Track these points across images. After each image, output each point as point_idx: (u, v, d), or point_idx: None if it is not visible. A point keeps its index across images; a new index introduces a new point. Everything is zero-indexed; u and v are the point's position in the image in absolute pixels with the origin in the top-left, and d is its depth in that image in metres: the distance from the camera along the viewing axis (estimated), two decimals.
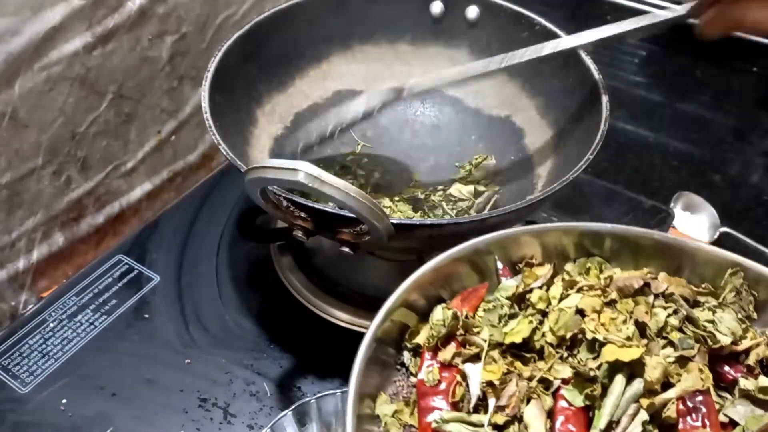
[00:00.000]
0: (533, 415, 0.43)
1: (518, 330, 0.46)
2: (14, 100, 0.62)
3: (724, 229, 0.81)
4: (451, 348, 0.46)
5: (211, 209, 0.78)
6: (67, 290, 0.69)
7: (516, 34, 0.71)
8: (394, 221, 0.49)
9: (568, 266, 0.52)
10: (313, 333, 0.65)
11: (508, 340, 0.46)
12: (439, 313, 0.48)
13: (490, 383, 0.44)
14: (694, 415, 0.42)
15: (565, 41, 0.64)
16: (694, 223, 0.83)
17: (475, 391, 0.44)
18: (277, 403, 0.60)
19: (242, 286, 0.70)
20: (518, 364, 0.46)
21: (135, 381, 0.61)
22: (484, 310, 0.49)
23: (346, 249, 0.52)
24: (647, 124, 0.97)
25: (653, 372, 0.42)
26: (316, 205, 0.50)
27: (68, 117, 0.68)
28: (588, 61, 0.65)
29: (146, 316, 0.67)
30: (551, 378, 0.44)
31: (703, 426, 0.41)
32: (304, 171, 0.44)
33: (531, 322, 0.46)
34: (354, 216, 0.47)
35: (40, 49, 0.63)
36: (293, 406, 0.55)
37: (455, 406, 0.44)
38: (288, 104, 0.73)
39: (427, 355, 0.47)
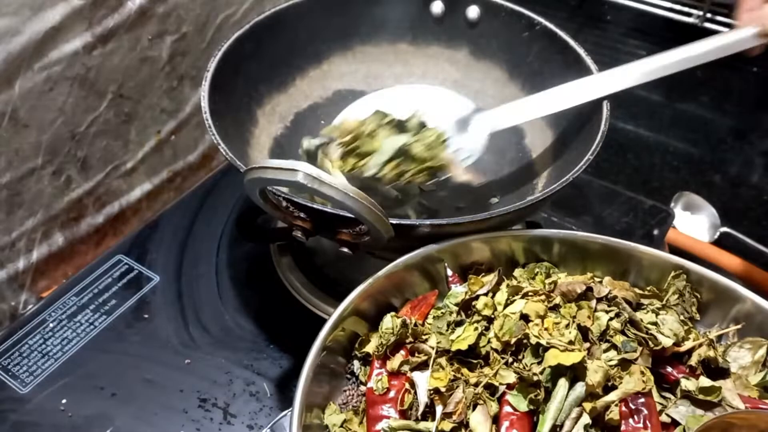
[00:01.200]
0: (479, 421, 0.44)
1: (464, 337, 0.47)
2: (14, 100, 0.62)
3: (724, 229, 0.81)
4: (400, 356, 0.47)
5: (211, 209, 0.78)
6: (67, 290, 0.69)
7: (517, 33, 0.71)
8: (394, 221, 0.49)
9: (517, 272, 0.52)
10: (313, 333, 0.65)
11: (454, 347, 0.46)
12: (388, 322, 0.49)
13: (437, 390, 0.45)
14: (636, 417, 0.42)
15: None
16: (694, 223, 0.83)
17: (423, 399, 0.45)
18: (277, 403, 0.60)
19: (242, 286, 0.70)
20: (465, 370, 0.46)
21: (135, 381, 0.61)
22: (434, 318, 0.49)
23: (345, 249, 0.52)
24: (647, 124, 0.97)
25: (594, 375, 0.43)
26: (315, 206, 0.50)
27: (68, 117, 0.68)
28: (588, 61, 0.65)
29: (146, 316, 0.67)
30: (497, 384, 0.45)
31: (645, 427, 0.42)
32: (303, 171, 0.44)
33: (477, 328, 0.47)
34: (353, 216, 0.47)
35: (40, 49, 0.63)
36: (292, 407, 0.55)
37: (404, 414, 0.45)
38: (288, 104, 0.73)
39: (377, 363, 0.48)
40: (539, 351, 0.45)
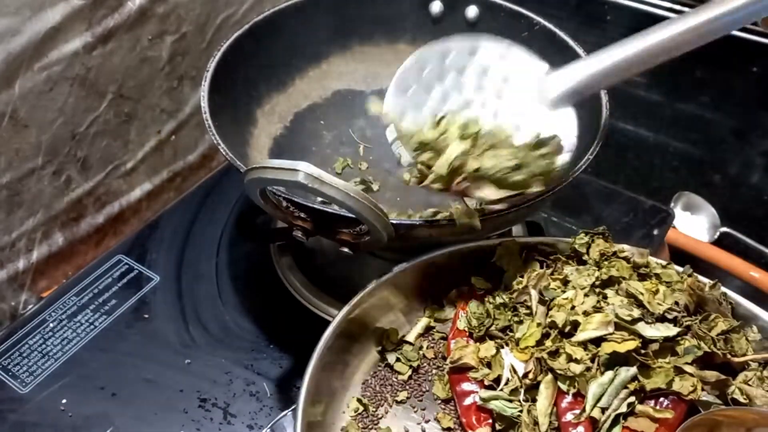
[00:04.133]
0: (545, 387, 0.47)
1: (530, 334, 0.49)
2: (14, 100, 0.62)
3: (724, 229, 0.81)
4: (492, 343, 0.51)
5: (211, 209, 0.78)
6: (67, 290, 0.69)
7: (516, 33, 0.71)
8: (394, 221, 0.49)
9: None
10: (313, 333, 0.65)
11: (522, 344, 0.49)
12: (476, 306, 0.53)
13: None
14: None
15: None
16: (694, 223, 0.83)
17: (506, 374, 0.48)
18: (277, 403, 0.60)
19: (242, 286, 0.70)
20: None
21: (135, 381, 0.61)
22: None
23: (345, 249, 0.52)
24: (647, 124, 0.97)
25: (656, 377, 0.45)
26: (315, 206, 0.50)
27: (68, 117, 0.68)
28: None
29: (146, 316, 0.67)
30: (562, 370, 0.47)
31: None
32: (304, 171, 0.44)
33: (539, 324, 0.49)
34: (354, 216, 0.47)
35: (40, 49, 0.63)
36: (293, 406, 0.55)
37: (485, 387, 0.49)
38: (287, 104, 0.73)
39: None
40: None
